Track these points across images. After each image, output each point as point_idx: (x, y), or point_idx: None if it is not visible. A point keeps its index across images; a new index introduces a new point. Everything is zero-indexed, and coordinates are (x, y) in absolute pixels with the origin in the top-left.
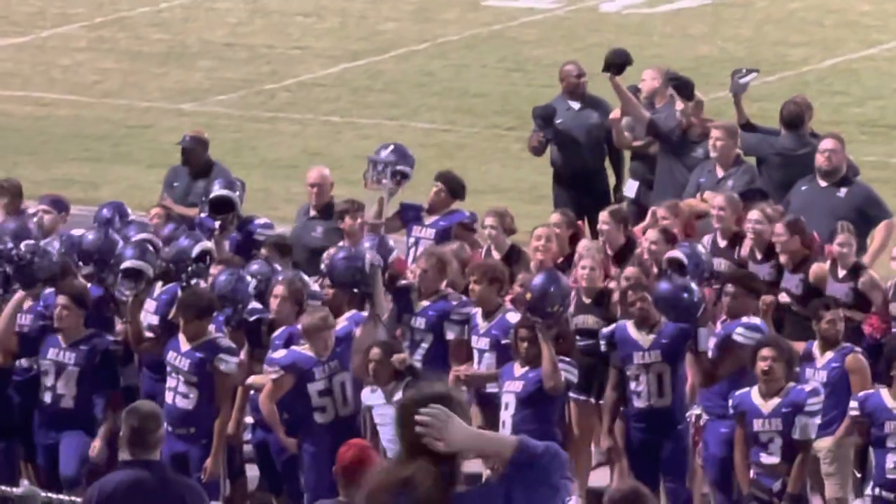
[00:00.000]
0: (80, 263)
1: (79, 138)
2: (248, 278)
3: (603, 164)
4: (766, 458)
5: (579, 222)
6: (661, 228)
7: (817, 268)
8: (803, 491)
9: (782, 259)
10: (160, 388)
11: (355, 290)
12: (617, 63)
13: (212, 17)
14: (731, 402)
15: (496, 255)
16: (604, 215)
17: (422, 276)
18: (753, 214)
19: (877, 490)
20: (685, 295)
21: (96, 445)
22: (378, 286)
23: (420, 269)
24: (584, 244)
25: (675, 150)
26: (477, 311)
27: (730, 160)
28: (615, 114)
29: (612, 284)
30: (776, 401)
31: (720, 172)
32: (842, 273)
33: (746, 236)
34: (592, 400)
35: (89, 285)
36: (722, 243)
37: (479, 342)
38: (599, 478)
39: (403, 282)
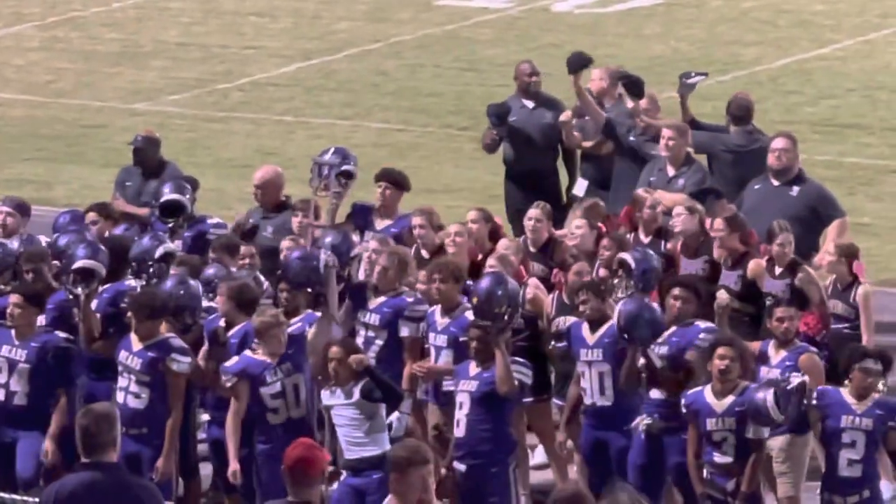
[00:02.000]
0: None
1: (32, 138)
2: (193, 282)
3: (555, 163)
4: (719, 458)
5: (497, 219)
6: (583, 216)
7: (754, 264)
8: (757, 490)
9: (719, 254)
10: (100, 387)
11: (309, 290)
12: (580, 63)
13: (165, 16)
14: (683, 401)
15: (425, 254)
16: (532, 212)
17: (381, 274)
18: (676, 209)
19: (826, 494)
20: (647, 314)
21: (47, 448)
22: (332, 286)
23: (380, 266)
24: (503, 243)
25: (630, 151)
26: (435, 309)
27: (680, 159)
28: (566, 115)
29: (531, 282)
30: (729, 399)
31: (671, 171)
32: (779, 270)
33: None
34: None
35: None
36: (645, 239)
37: (437, 339)
38: (548, 475)
39: (360, 279)
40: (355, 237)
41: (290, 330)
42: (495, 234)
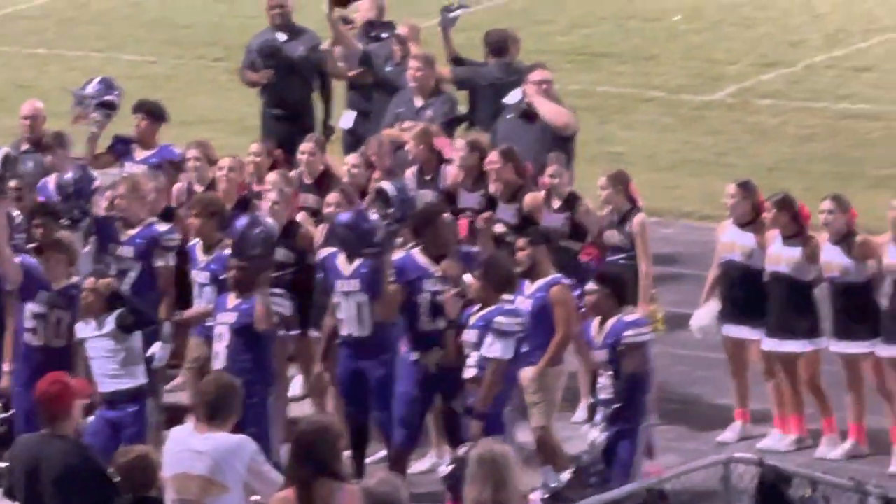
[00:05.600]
0: None
1: None
2: None
3: (310, 95)
4: (466, 372)
5: (278, 151)
6: (361, 153)
7: (531, 197)
8: (489, 409)
9: (495, 188)
10: None
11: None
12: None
13: None
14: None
15: (199, 188)
16: (306, 145)
17: (120, 204)
18: (459, 143)
19: None
20: (364, 224)
21: None
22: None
23: (118, 195)
24: (270, 177)
25: (384, 83)
26: (196, 244)
27: (428, 90)
28: (327, 44)
29: (301, 216)
30: (479, 313)
31: (419, 102)
32: (557, 203)
33: (448, 166)
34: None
35: None
36: (428, 176)
37: (200, 276)
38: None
39: (105, 213)
40: (116, 169)
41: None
42: (276, 167)
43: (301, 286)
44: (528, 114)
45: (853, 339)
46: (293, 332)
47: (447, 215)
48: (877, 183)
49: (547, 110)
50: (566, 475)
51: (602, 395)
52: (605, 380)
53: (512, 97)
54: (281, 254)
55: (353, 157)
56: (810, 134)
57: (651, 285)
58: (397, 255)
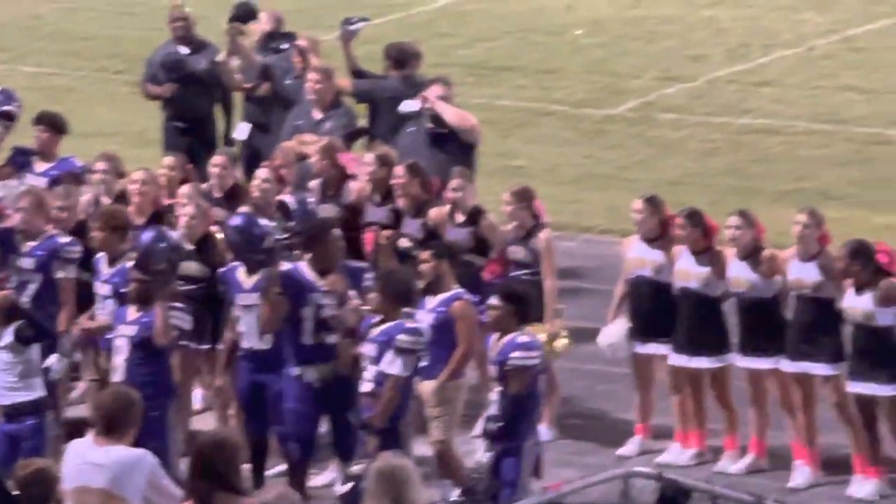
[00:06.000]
0: None
1: None
2: None
3: (212, 108)
4: (362, 386)
5: (189, 166)
6: (272, 167)
7: (436, 212)
8: (387, 423)
9: (401, 203)
10: None
11: None
12: (241, 15)
13: None
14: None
15: (106, 200)
16: (218, 159)
17: (23, 217)
18: (368, 157)
19: None
20: (256, 230)
21: None
22: None
23: (19, 207)
24: (183, 190)
25: (282, 95)
26: (102, 257)
27: (326, 103)
28: (222, 56)
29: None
30: (380, 327)
31: (318, 115)
32: (460, 218)
33: (355, 180)
34: (196, 346)
35: None
36: (331, 191)
37: (102, 289)
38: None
39: (5, 224)
40: (15, 181)
41: None
42: (186, 181)
43: (214, 300)
44: (436, 135)
45: (758, 354)
46: (203, 346)
47: (337, 231)
48: (778, 197)
49: (451, 115)
50: (456, 494)
51: (491, 411)
52: (494, 396)
53: (408, 106)
54: (194, 268)
55: (263, 172)
56: (712, 148)
57: (556, 301)
58: (284, 267)
